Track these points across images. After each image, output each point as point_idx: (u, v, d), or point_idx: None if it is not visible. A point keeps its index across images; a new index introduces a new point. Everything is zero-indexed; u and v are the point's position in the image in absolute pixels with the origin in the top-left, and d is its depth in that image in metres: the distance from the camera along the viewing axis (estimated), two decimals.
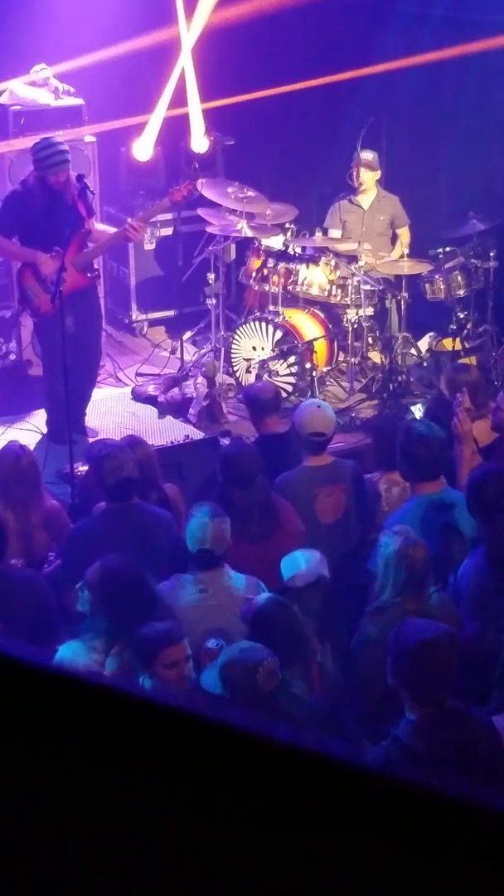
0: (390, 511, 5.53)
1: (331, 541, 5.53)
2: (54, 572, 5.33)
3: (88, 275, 7.30)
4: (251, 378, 8.12)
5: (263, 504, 5.35)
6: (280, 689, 4.11)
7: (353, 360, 8.39)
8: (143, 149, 9.29)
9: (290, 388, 8.06)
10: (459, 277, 8.33)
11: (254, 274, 8.55)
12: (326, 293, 8.37)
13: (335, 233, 8.84)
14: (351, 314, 8.34)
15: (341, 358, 8.50)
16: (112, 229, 7.51)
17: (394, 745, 3.78)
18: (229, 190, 8.56)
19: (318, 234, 8.66)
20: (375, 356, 8.46)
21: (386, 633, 4.13)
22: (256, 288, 8.60)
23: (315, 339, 8.16)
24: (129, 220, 7.41)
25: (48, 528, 5.50)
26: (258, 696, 3.98)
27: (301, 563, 4.88)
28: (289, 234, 8.59)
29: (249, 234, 8.46)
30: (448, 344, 8.33)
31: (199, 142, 9.44)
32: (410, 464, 5.33)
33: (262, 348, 8.21)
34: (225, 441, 7.26)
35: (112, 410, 7.99)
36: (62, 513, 5.67)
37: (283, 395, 8.05)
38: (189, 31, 9.09)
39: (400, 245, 8.81)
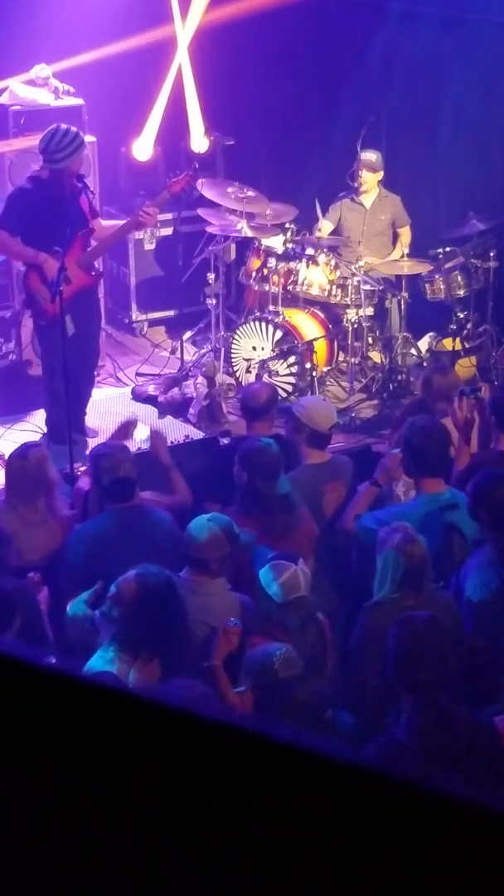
0: None
1: (333, 536, 5.56)
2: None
3: (92, 273, 7.30)
4: (251, 378, 8.11)
5: (286, 499, 5.39)
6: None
7: (353, 360, 8.39)
8: (143, 149, 9.29)
9: (290, 388, 8.06)
10: (459, 277, 8.33)
11: (254, 274, 8.55)
12: (326, 293, 8.37)
13: (327, 226, 8.83)
14: (351, 314, 8.34)
15: (341, 358, 8.50)
16: (120, 222, 7.48)
17: (389, 741, 3.80)
18: (229, 190, 8.56)
19: (318, 232, 8.67)
20: (375, 356, 8.46)
21: (383, 629, 4.15)
22: (256, 288, 8.60)
23: (315, 339, 8.16)
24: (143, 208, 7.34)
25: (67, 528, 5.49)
26: (277, 684, 4.07)
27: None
28: (289, 234, 8.59)
29: (249, 234, 8.46)
30: (448, 344, 8.34)
31: (199, 142, 9.44)
32: (413, 457, 5.32)
33: (262, 348, 8.21)
34: (225, 441, 7.25)
35: (112, 410, 7.98)
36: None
37: (283, 395, 8.07)
38: (184, 29, 9.10)
39: (400, 245, 8.81)
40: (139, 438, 6.44)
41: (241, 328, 8.34)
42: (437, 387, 6.36)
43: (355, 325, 8.34)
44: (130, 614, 4.36)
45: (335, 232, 8.86)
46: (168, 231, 9.34)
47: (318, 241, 8.53)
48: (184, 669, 4.53)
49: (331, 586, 5.56)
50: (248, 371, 8.26)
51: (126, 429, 6.18)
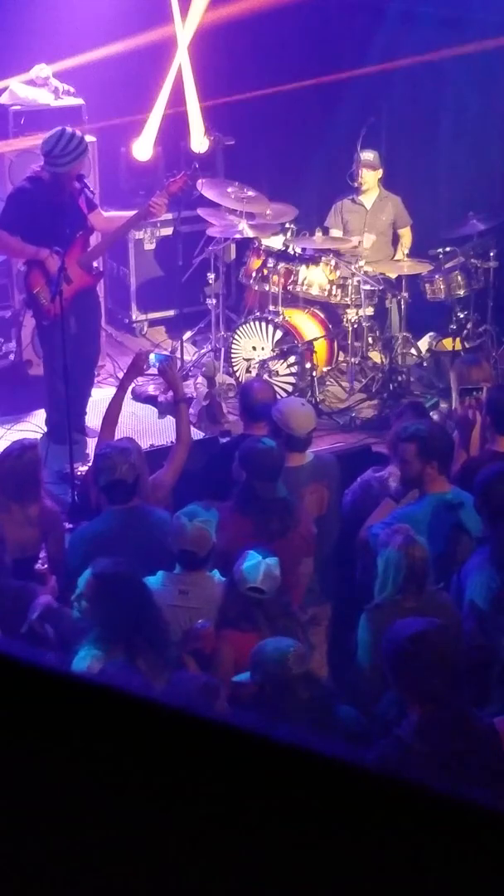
0: None
1: (319, 536, 5.55)
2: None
3: (92, 272, 7.30)
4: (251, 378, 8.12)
5: (284, 501, 5.38)
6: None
7: (353, 360, 8.39)
8: (143, 148, 9.29)
9: (290, 388, 8.06)
10: (459, 277, 8.33)
11: (254, 274, 8.55)
12: (326, 293, 8.36)
13: (336, 232, 8.85)
14: (351, 314, 8.34)
15: (341, 358, 8.50)
16: (128, 213, 7.47)
17: (394, 743, 3.79)
18: (229, 190, 8.56)
19: (319, 234, 8.66)
20: (375, 356, 8.46)
21: (385, 630, 4.15)
22: (256, 288, 8.59)
23: (315, 339, 8.16)
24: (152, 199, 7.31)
25: (41, 524, 5.50)
26: (287, 679, 4.07)
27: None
28: (289, 234, 8.58)
29: (250, 234, 8.46)
30: (448, 344, 8.33)
31: (199, 142, 9.44)
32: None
33: (262, 348, 8.21)
34: (224, 441, 7.25)
35: None
36: (58, 516, 5.67)
37: (284, 395, 8.06)
38: (184, 29, 9.10)
39: (401, 247, 8.81)
40: (153, 361, 6.40)
41: (241, 328, 8.33)
42: (475, 379, 6.35)
43: (355, 325, 8.34)
44: (96, 608, 4.42)
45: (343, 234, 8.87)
46: (168, 231, 9.33)
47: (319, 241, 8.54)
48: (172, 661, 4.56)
49: (325, 587, 5.57)
50: (248, 371, 8.26)
51: (139, 363, 6.15)
